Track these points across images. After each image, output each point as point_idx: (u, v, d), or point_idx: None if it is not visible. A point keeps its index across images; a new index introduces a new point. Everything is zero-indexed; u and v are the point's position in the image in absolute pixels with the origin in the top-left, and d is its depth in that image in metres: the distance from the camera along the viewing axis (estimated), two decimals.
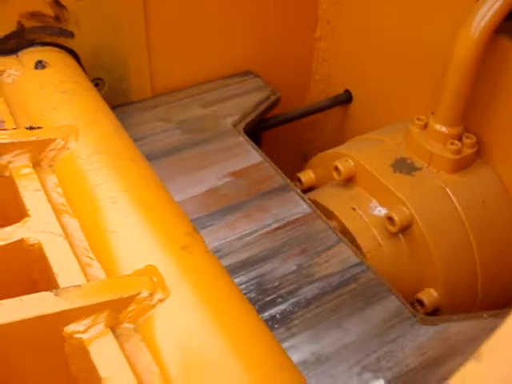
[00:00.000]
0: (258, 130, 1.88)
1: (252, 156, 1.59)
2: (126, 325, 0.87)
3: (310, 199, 1.58)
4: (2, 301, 0.82)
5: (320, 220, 1.41)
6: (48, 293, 0.85)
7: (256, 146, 1.62)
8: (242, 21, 1.81)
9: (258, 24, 1.84)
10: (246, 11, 1.79)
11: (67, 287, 0.86)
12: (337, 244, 1.36)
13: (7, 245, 0.96)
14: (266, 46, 1.89)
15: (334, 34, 1.92)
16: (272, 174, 1.53)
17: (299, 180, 1.70)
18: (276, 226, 1.42)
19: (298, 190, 1.50)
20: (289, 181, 1.51)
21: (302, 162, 2.14)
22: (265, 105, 1.79)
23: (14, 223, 1.01)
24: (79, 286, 0.88)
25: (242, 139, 1.64)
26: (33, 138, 1.12)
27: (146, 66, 1.64)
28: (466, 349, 1.16)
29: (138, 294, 0.88)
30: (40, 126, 1.17)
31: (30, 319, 0.81)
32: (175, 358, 0.85)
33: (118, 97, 1.61)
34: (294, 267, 1.32)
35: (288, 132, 2.03)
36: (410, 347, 1.18)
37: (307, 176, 1.69)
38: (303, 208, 1.44)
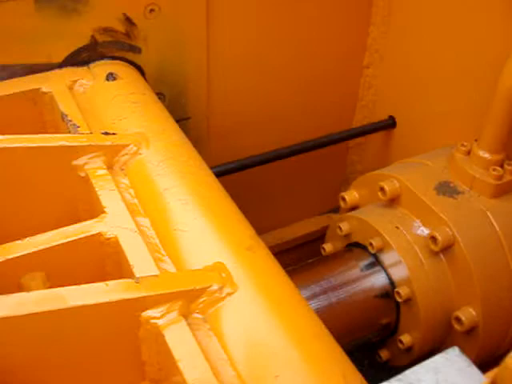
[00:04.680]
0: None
1: None
2: (195, 315, 0.95)
3: (354, 217, 1.65)
4: (90, 284, 0.90)
5: None
6: (130, 280, 0.93)
7: None
8: (294, 44, 1.90)
9: (310, 49, 1.93)
10: (299, 36, 1.89)
11: (146, 276, 0.94)
12: None
13: (86, 237, 1.05)
14: (316, 70, 1.98)
15: (381, 61, 2.00)
16: None
17: (343, 199, 1.76)
18: None
19: None
20: None
21: (343, 183, 2.22)
22: None
23: (83, 219, 1.10)
24: (157, 275, 0.96)
25: None
26: (108, 143, 1.22)
27: (204, 83, 1.73)
28: None
29: (209, 286, 0.96)
30: (114, 132, 1.26)
31: (112, 302, 0.90)
32: (240, 348, 0.92)
33: (176, 111, 1.70)
34: None
35: (331, 154, 2.11)
36: None
37: (351, 196, 1.75)
38: None
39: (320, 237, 2.09)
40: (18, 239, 1.04)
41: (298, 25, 1.86)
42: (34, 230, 1.07)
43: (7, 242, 1.04)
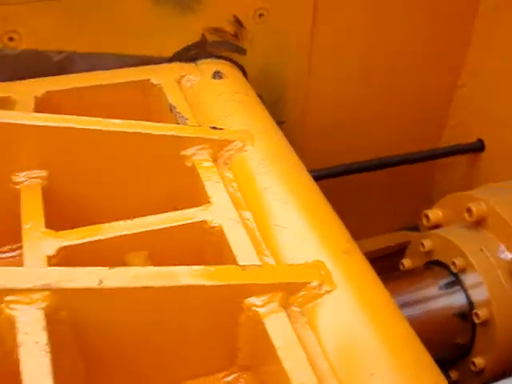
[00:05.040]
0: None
1: None
2: (294, 307, 0.98)
3: (438, 235, 1.66)
4: (199, 266, 0.95)
5: None
6: (236, 266, 0.97)
7: None
8: (393, 56, 1.93)
9: (409, 63, 1.96)
10: (399, 50, 1.92)
11: (251, 265, 0.99)
12: None
13: (191, 224, 1.11)
14: (412, 85, 2.01)
15: (476, 83, 2.01)
16: None
17: (427, 216, 1.77)
18: None
19: None
20: None
21: (426, 202, 2.22)
22: None
23: (182, 207, 1.15)
24: (260, 266, 1.00)
25: None
26: (215, 137, 1.27)
27: (303, 89, 1.78)
28: None
29: (310, 282, 0.99)
30: (222, 127, 1.31)
31: (220, 286, 0.94)
32: (335, 343, 0.95)
33: (272, 114, 1.74)
34: None
35: (416, 172, 2.12)
36: None
37: (435, 214, 1.76)
38: None
39: (393, 253, 2.09)
40: (119, 219, 1.09)
41: (400, 39, 1.89)
42: (133, 212, 1.12)
43: (110, 221, 1.09)
